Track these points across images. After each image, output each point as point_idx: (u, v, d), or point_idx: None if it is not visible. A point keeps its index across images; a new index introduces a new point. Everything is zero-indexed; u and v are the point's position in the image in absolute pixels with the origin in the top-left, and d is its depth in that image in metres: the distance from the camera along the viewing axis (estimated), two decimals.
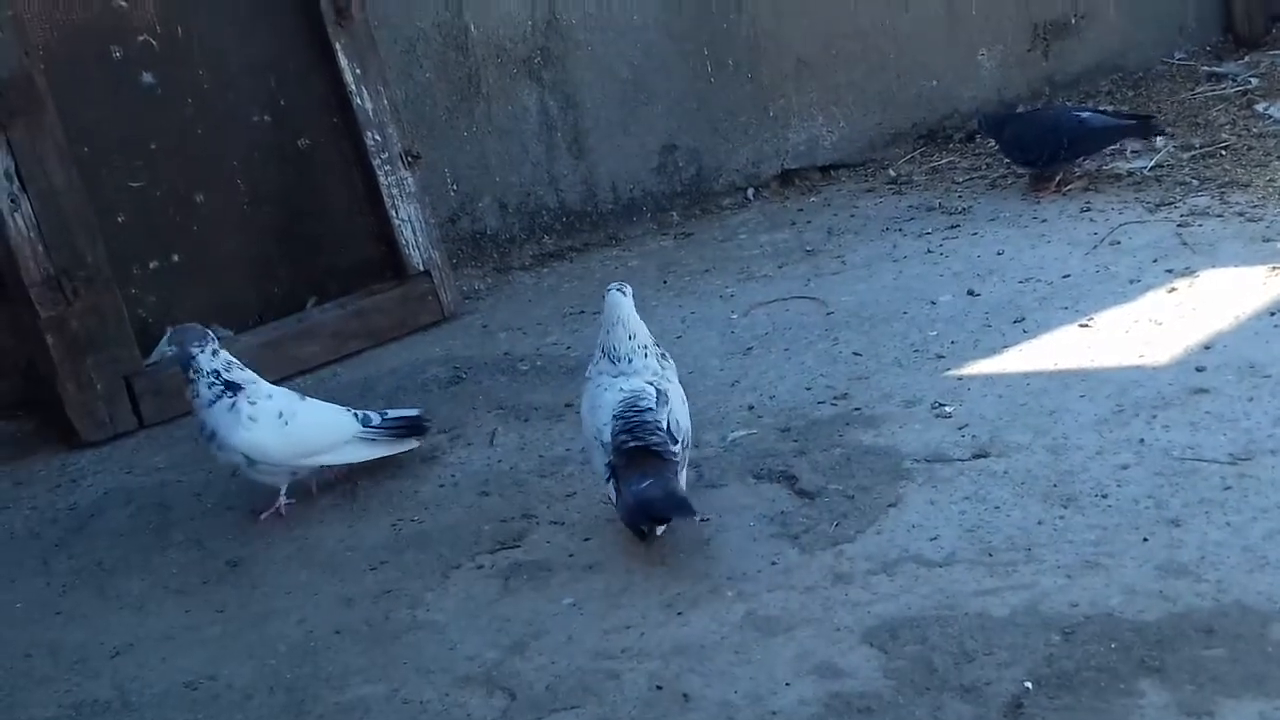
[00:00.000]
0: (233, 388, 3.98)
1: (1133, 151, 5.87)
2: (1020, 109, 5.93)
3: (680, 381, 3.86)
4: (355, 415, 4.15)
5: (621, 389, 3.62)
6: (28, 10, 4.89)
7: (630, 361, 3.69)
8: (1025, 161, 5.76)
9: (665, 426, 3.56)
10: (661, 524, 3.54)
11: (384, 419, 4.20)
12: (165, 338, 5.14)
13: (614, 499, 3.56)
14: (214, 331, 5.14)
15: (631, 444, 3.51)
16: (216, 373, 3.98)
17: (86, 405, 4.75)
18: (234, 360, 4.06)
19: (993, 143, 6.08)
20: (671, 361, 3.80)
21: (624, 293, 3.74)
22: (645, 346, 3.72)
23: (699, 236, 5.94)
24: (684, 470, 3.63)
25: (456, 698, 3.13)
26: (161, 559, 3.98)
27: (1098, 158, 5.74)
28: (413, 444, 4.26)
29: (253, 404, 3.97)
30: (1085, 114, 5.72)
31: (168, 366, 4.35)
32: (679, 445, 3.58)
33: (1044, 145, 5.67)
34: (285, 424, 3.99)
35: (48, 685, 3.44)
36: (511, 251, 5.92)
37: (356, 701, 3.17)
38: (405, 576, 3.67)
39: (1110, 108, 6.36)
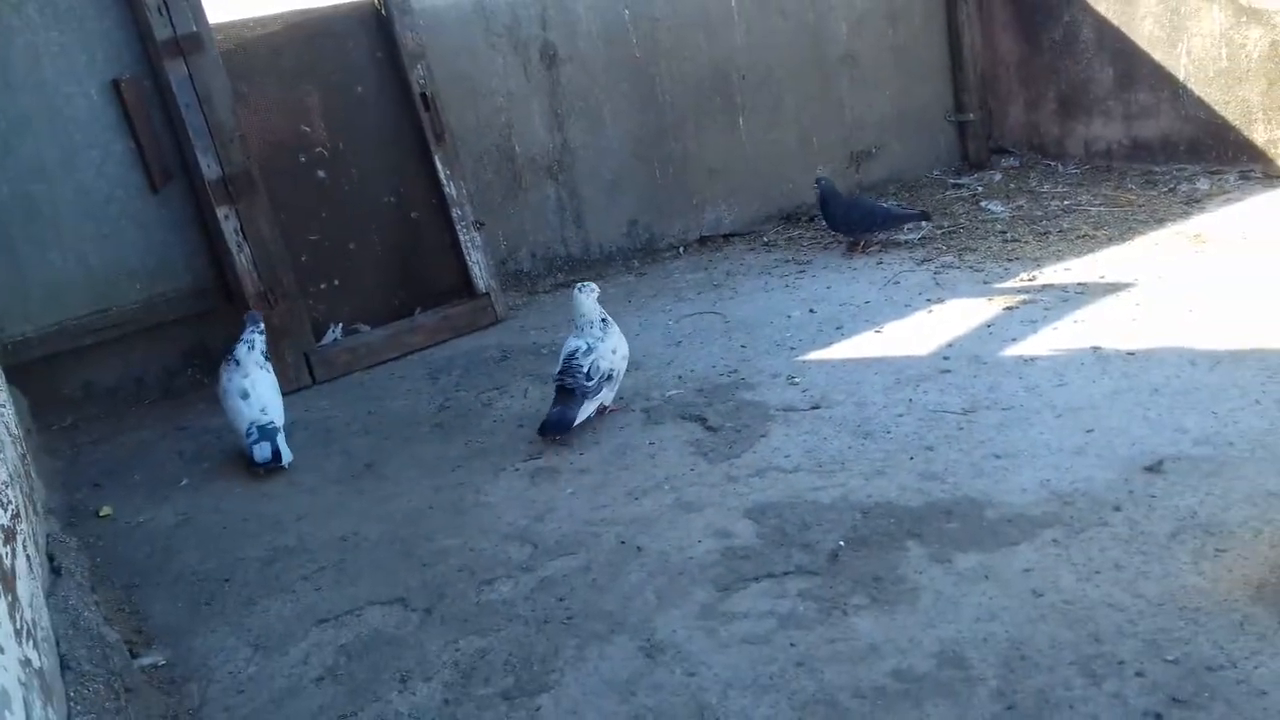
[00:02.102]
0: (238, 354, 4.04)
1: (909, 228, 5.89)
2: (843, 195, 5.93)
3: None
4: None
5: (571, 344, 3.82)
6: (249, 132, 4.85)
7: (587, 329, 3.84)
8: (845, 232, 5.78)
9: (585, 369, 3.73)
10: (551, 434, 3.73)
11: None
12: (330, 330, 5.13)
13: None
14: (358, 327, 5.17)
15: (556, 381, 3.78)
16: (255, 339, 4.07)
17: (282, 370, 4.69)
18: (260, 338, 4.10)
19: (820, 217, 6.07)
20: (614, 327, 3.92)
21: (581, 291, 3.90)
22: (593, 322, 3.86)
23: (650, 275, 5.93)
24: (608, 391, 3.84)
25: (502, 547, 3.13)
26: (325, 462, 3.97)
27: (890, 233, 5.76)
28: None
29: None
30: (886, 204, 5.74)
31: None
32: (596, 379, 3.75)
33: (858, 222, 5.69)
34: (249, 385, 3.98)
35: (257, 537, 3.43)
36: (538, 282, 5.90)
37: (442, 549, 3.18)
38: (472, 474, 3.66)
39: (896, 202, 6.39)
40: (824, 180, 5.83)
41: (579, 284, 3.95)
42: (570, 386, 3.75)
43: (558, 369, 3.82)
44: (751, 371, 4.21)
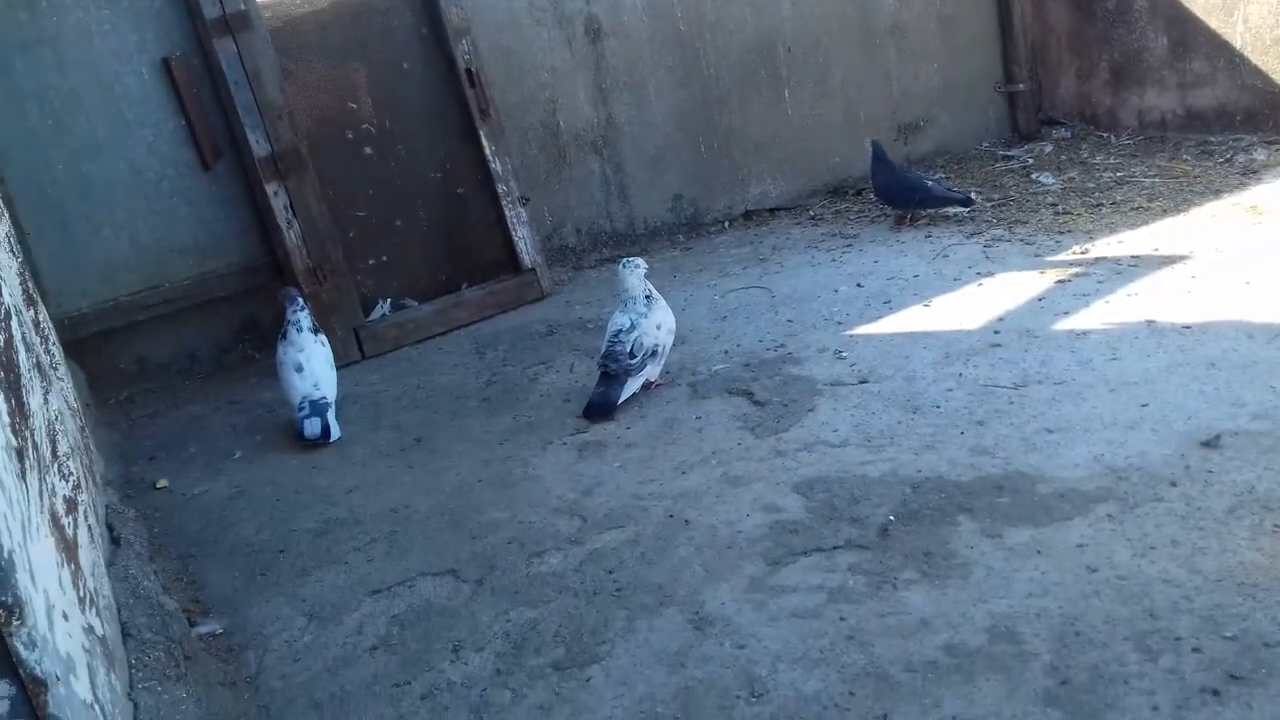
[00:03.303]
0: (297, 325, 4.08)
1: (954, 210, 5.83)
2: (893, 163, 5.84)
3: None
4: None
5: (616, 322, 3.84)
6: (297, 109, 4.89)
7: (631, 305, 3.84)
8: (890, 204, 5.72)
9: (629, 349, 3.76)
10: (597, 418, 3.75)
11: None
12: (378, 306, 5.17)
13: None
14: (405, 302, 5.20)
15: (601, 368, 3.81)
16: (300, 318, 4.10)
17: (332, 345, 4.72)
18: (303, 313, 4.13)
19: (869, 189, 6.01)
20: (660, 301, 3.93)
21: (625, 267, 3.90)
22: (636, 298, 3.86)
23: (695, 250, 5.92)
24: (653, 367, 3.86)
25: (551, 520, 3.15)
26: (375, 435, 4.01)
27: (933, 211, 5.69)
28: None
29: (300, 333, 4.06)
30: (930, 183, 5.67)
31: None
32: (640, 356, 3.78)
33: (903, 197, 5.63)
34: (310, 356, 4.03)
35: (309, 509, 3.48)
36: (583, 257, 5.91)
37: (491, 522, 3.20)
38: (520, 448, 3.68)
39: (941, 178, 6.31)
40: (876, 142, 5.77)
41: (624, 260, 3.97)
42: (613, 371, 3.77)
43: (602, 349, 3.84)
44: (798, 346, 4.19)
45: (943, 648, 2.30)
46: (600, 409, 3.77)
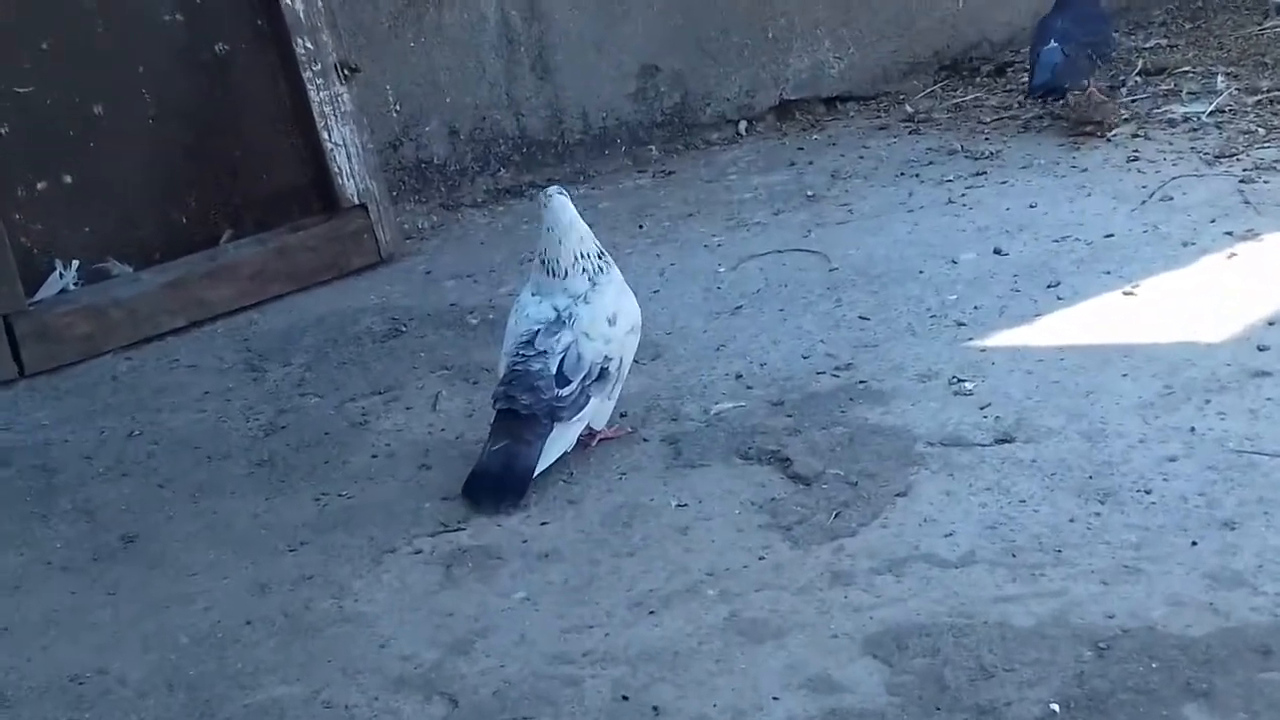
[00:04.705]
0: None
1: (1189, 94, 5.87)
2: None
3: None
4: None
5: (529, 316, 3.88)
6: None
7: (557, 276, 3.89)
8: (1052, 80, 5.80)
9: (555, 365, 3.78)
10: (489, 502, 3.79)
11: None
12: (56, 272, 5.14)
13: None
14: (109, 266, 5.17)
15: (500, 404, 3.82)
16: None
17: None
18: None
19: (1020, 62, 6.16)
20: (614, 273, 3.97)
21: (554, 200, 3.91)
22: (586, 255, 3.91)
23: (681, 175, 5.94)
24: (599, 401, 3.88)
25: (388, 703, 3.12)
26: (44, 530, 3.97)
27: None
28: None
29: None
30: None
31: None
32: (576, 380, 3.79)
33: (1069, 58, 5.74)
34: None
35: None
36: (462, 185, 5.92)
37: (270, 704, 3.17)
38: (330, 560, 3.66)
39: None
40: None
41: (548, 189, 3.97)
42: (524, 410, 3.77)
43: (501, 367, 3.84)
44: (881, 368, 4.21)
45: None
46: (498, 485, 3.76)
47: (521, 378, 3.79)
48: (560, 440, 3.81)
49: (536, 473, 3.77)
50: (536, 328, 3.84)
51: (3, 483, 4.22)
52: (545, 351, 3.80)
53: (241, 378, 4.68)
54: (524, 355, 3.82)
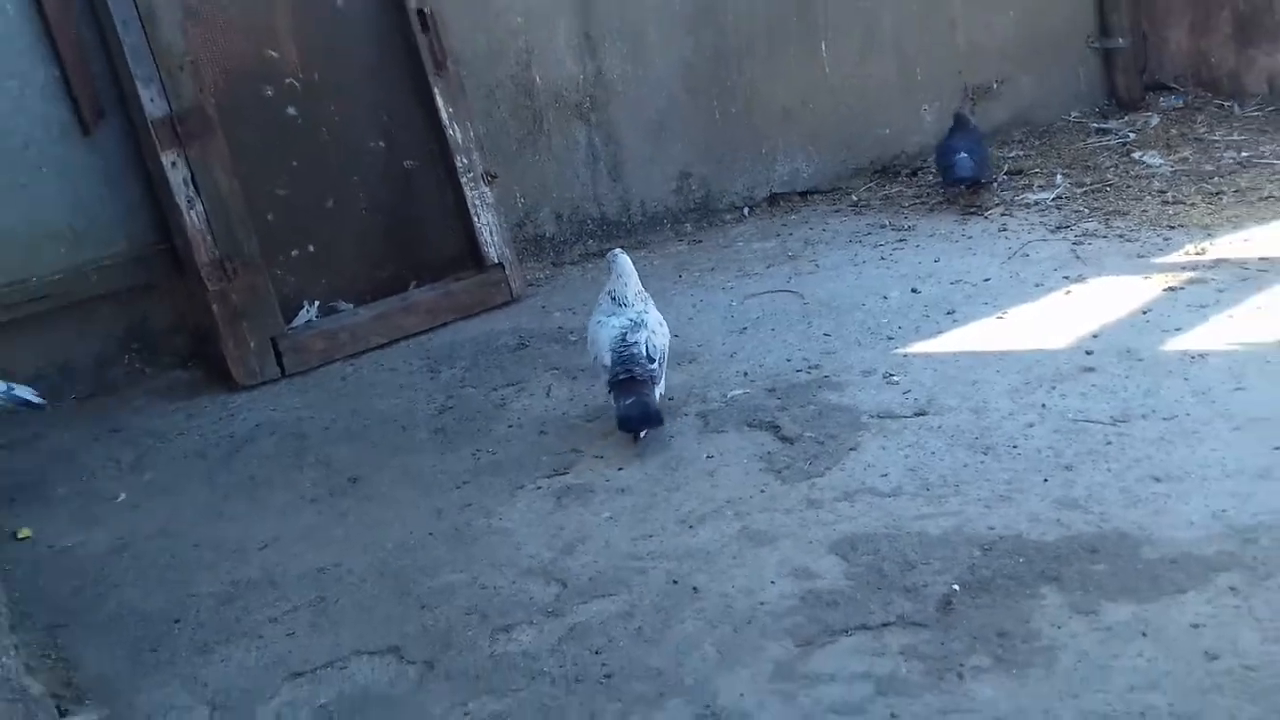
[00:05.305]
0: None
1: (1039, 186, 5.86)
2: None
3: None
4: None
5: (614, 325, 3.91)
6: (202, 57, 4.90)
7: (628, 305, 3.96)
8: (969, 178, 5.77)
9: (644, 350, 3.84)
10: (641, 430, 3.81)
11: (9, 392, 4.18)
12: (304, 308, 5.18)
13: (614, 406, 3.83)
14: (338, 305, 5.21)
15: (622, 375, 3.80)
16: None
17: (242, 358, 4.79)
18: None
19: (929, 168, 6.19)
20: (651, 301, 4.06)
21: (622, 254, 4.08)
22: (638, 292, 4.01)
23: (706, 243, 5.95)
24: (661, 379, 3.93)
25: (521, 585, 3.16)
26: (299, 475, 4.02)
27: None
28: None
29: None
30: (962, 155, 5.74)
31: None
32: (656, 362, 3.87)
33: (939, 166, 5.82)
34: None
35: (212, 569, 3.48)
36: (564, 251, 5.94)
37: (445, 586, 3.21)
38: (483, 494, 3.69)
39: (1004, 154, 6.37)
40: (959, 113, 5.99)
41: (614, 249, 4.11)
42: (641, 377, 3.82)
43: (608, 359, 3.85)
44: (838, 367, 4.20)
45: None
46: (643, 417, 3.78)
47: (630, 359, 3.82)
48: (654, 396, 3.86)
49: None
50: (623, 331, 3.88)
51: (272, 445, 4.27)
52: (635, 343, 3.84)
53: (423, 376, 4.71)
54: (625, 344, 3.85)
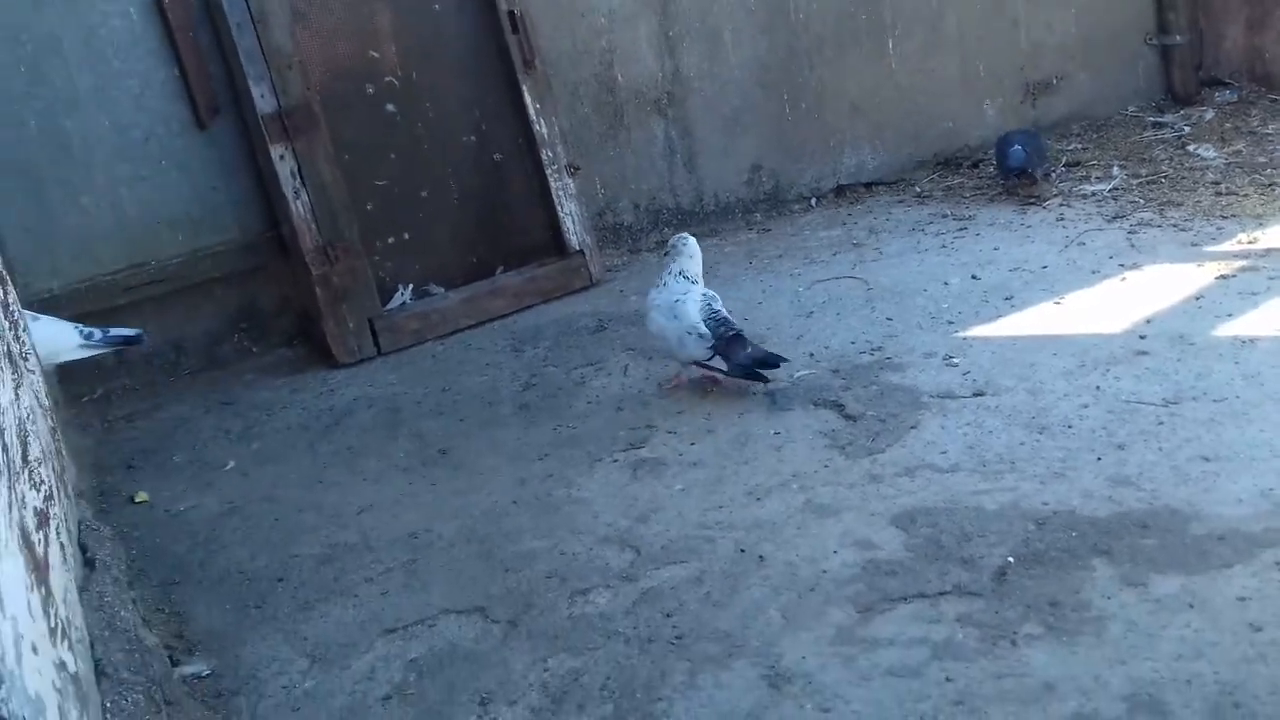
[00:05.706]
0: None
1: (1095, 178, 5.76)
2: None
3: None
4: (79, 330, 4.10)
5: (697, 296, 4.02)
6: (309, 57, 4.96)
7: (698, 282, 4.09)
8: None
9: (728, 315, 4.01)
10: (770, 369, 3.92)
11: (105, 335, 4.16)
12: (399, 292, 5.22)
13: (724, 365, 3.94)
14: (430, 289, 5.24)
15: (729, 332, 3.92)
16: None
17: (342, 338, 4.86)
18: None
19: (989, 159, 6.12)
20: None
21: (690, 239, 4.17)
22: (699, 274, 4.14)
23: (775, 232, 5.91)
24: None
25: (598, 551, 3.17)
26: (393, 446, 4.06)
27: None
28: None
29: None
30: (1015, 146, 5.69)
31: None
32: (736, 325, 4.00)
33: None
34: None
35: (313, 532, 3.54)
36: (641, 239, 5.93)
37: (528, 552, 3.23)
38: (563, 465, 3.71)
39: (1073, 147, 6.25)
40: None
41: (683, 234, 4.20)
42: (741, 333, 3.94)
43: (704, 328, 3.90)
44: (899, 349, 4.17)
45: (1071, 718, 2.28)
46: (765, 362, 3.90)
47: (727, 320, 3.94)
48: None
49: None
50: (708, 300, 4.00)
51: (369, 418, 4.32)
52: (719, 310, 3.97)
53: (508, 355, 4.73)
54: (715, 311, 3.97)
